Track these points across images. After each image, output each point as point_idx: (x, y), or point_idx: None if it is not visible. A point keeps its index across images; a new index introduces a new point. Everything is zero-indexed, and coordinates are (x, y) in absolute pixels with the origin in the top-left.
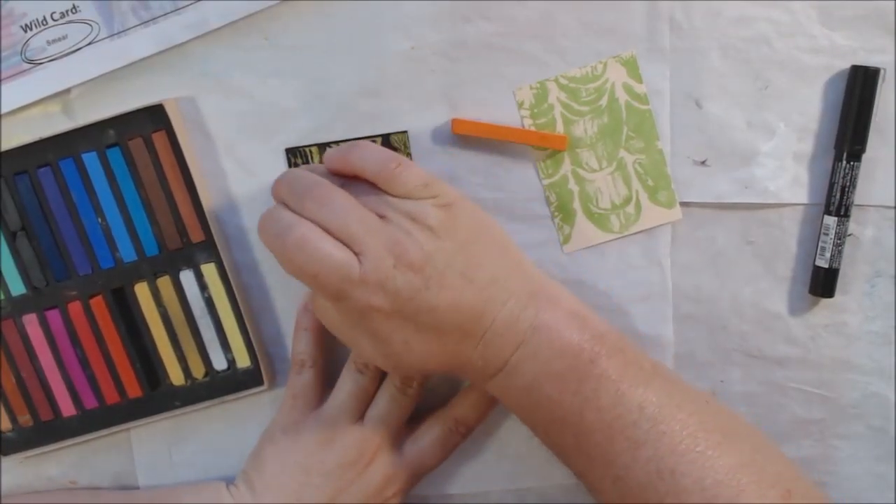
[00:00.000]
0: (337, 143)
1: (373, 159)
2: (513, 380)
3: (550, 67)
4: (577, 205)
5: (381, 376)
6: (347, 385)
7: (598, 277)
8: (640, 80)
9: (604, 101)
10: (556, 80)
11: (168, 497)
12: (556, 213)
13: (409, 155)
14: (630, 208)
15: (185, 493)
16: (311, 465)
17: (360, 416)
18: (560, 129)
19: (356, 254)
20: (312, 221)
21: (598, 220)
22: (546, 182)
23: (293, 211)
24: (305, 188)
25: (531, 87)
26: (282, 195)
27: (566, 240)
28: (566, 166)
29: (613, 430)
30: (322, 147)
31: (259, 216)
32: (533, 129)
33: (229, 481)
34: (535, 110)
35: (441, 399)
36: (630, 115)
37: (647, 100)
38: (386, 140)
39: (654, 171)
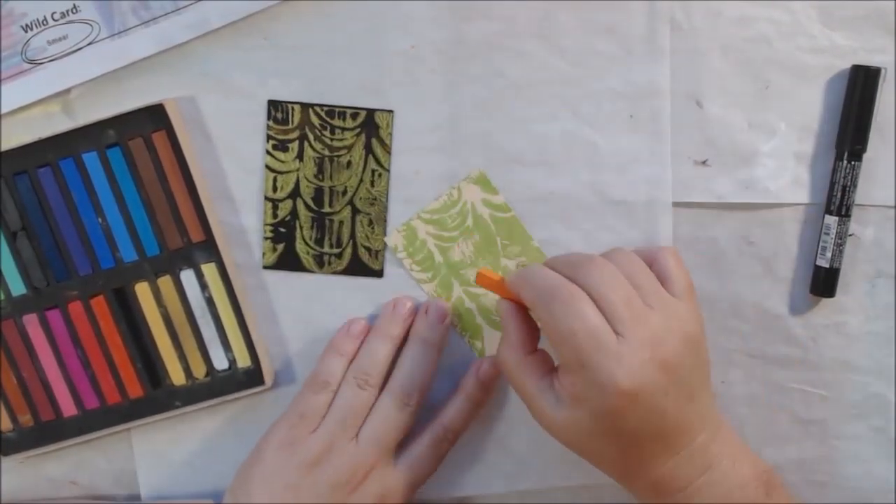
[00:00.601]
0: (323, 105)
1: (647, 250)
2: (691, 501)
3: (550, 68)
4: (480, 320)
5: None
6: (347, 399)
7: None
8: (495, 192)
9: (469, 222)
10: (420, 217)
11: None
12: (464, 333)
13: (390, 136)
14: None
15: None
16: (301, 487)
17: (356, 432)
18: (438, 259)
19: (616, 333)
20: (587, 293)
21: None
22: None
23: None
24: (584, 260)
25: (399, 231)
26: (555, 266)
27: (481, 354)
28: (457, 289)
29: None
30: (306, 107)
31: (259, 215)
32: (414, 266)
33: (217, 500)
34: (410, 249)
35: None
36: (498, 225)
37: (508, 208)
38: (370, 116)
39: None
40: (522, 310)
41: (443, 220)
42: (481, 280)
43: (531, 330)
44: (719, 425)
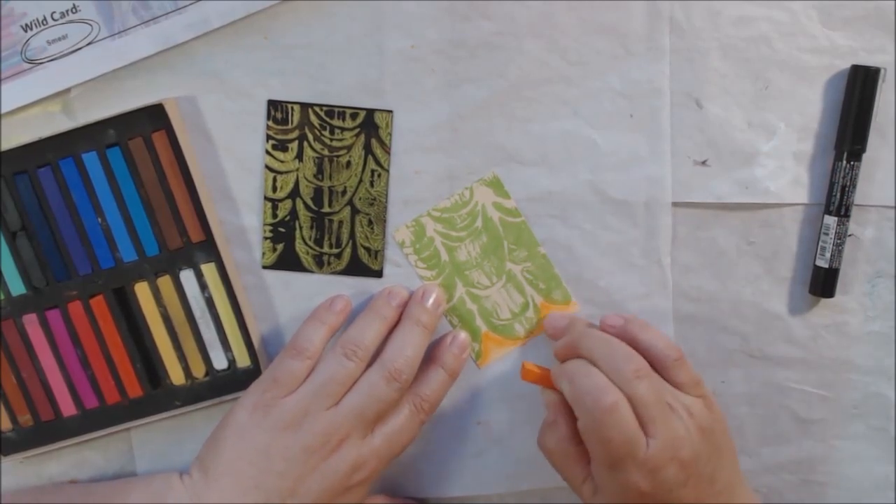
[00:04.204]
0: (322, 105)
1: (661, 344)
2: None
3: (550, 67)
4: (479, 322)
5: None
6: (331, 369)
7: (596, 277)
8: (507, 197)
9: (479, 223)
10: (430, 215)
11: (120, 490)
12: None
13: (389, 136)
14: (530, 313)
15: (136, 485)
16: (273, 450)
17: (336, 401)
18: (444, 257)
19: (646, 435)
20: (623, 392)
21: (503, 330)
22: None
23: (603, 371)
24: (624, 358)
25: (407, 226)
26: (593, 351)
27: (478, 356)
28: (460, 289)
29: None
30: (305, 106)
31: (258, 215)
32: (419, 263)
33: (183, 471)
34: (417, 246)
35: None
36: (507, 229)
37: (518, 212)
38: (370, 116)
39: (542, 275)
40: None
41: (452, 219)
42: (526, 375)
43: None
44: (741, 495)
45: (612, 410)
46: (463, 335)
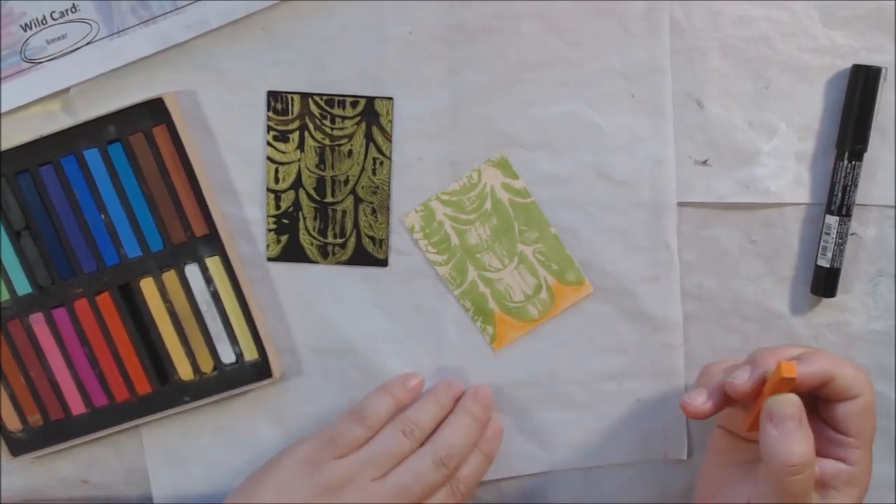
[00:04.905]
0: (322, 95)
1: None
2: None
3: (549, 49)
4: (493, 305)
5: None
6: (388, 441)
7: (604, 262)
8: (516, 177)
9: (488, 205)
10: (439, 198)
11: None
12: (476, 318)
13: (390, 123)
14: (543, 294)
15: None
16: None
17: (383, 474)
18: (455, 241)
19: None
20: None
21: (517, 312)
22: (457, 292)
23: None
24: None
25: (417, 211)
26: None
27: (493, 339)
28: (471, 273)
29: None
30: (305, 96)
31: (261, 207)
32: (430, 248)
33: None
34: (427, 230)
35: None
36: (517, 210)
37: (527, 193)
38: (370, 103)
39: (555, 256)
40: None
41: (461, 202)
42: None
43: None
44: None
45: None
46: (500, 425)
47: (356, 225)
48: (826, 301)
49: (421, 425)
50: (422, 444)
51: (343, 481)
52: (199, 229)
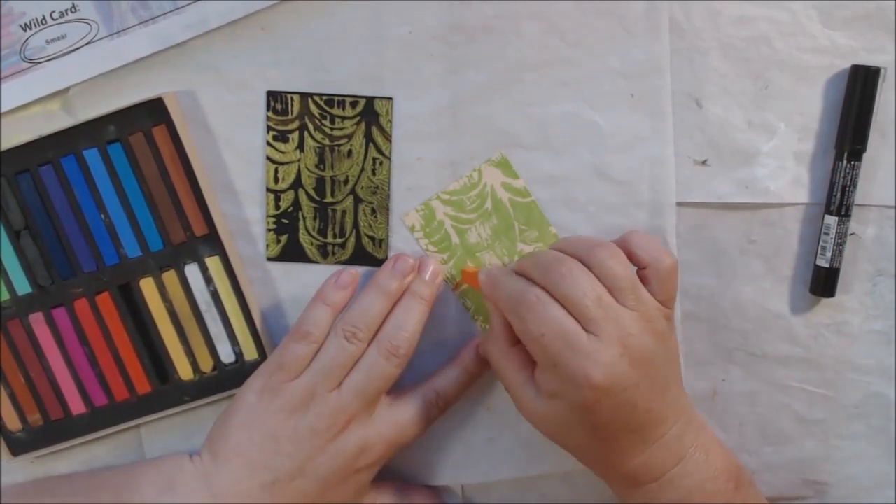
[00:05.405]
0: (322, 95)
1: (646, 254)
2: (664, 493)
3: (549, 49)
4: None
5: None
6: (332, 351)
7: None
8: (516, 176)
9: (488, 205)
10: (439, 198)
11: (130, 473)
12: (476, 317)
13: (390, 123)
14: None
15: (146, 468)
16: (281, 433)
17: (340, 383)
18: (455, 240)
19: (587, 332)
20: (550, 294)
21: None
22: (458, 292)
23: (534, 282)
24: (552, 262)
25: (417, 210)
26: (524, 269)
27: None
28: None
29: None
30: (305, 96)
31: (261, 207)
32: (430, 247)
33: (193, 453)
34: (427, 230)
35: (417, 373)
36: (517, 210)
37: (527, 192)
38: (370, 103)
39: None
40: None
41: (461, 201)
42: (466, 278)
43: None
44: (692, 417)
45: (536, 306)
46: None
47: (356, 225)
48: (825, 301)
49: (363, 325)
50: (375, 335)
51: (303, 400)
52: (199, 229)
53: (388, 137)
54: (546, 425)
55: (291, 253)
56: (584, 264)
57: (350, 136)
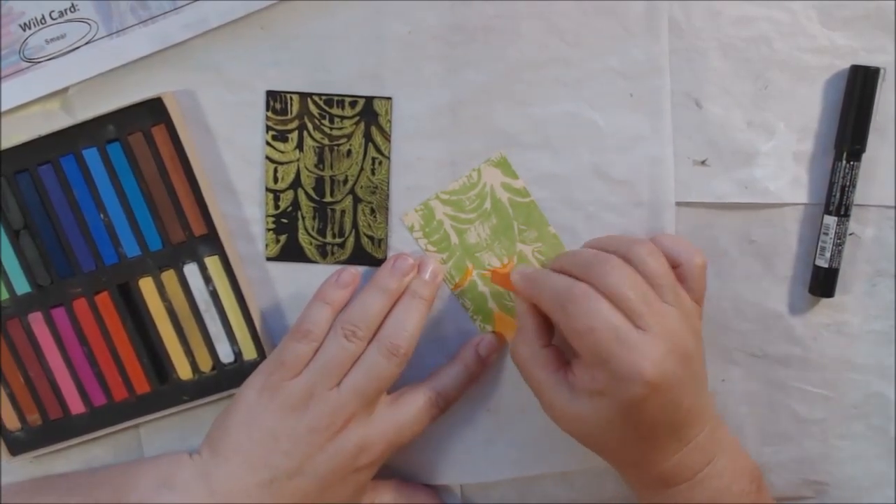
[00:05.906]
0: (321, 95)
1: (678, 251)
2: (694, 493)
3: (549, 49)
4: (492, 304)
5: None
6: (332, 350)
7: None
8: (515, 177)
9: (488, 205)
10: (438, 198)
11: (130, 470)
12: (476, 317)
13: (389, 123)
14: None
15: (146, 465)
16: (280, 431)
17: (339, 381)
18: (454, 240)
19: (637, 327)
20: (596, 287)
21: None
22: (457, 292)
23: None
24: (596, 260)
25: (416, 210)
26: (564, 266)
27: None
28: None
29: None
30: (304, 96)
31: (260, 207)
32: (429, 247)
33: (192, 451)
34: (427, 229)
35: (417, 372)
36: (516, 210)
37: (527, 192)
38: (369, 103)
39: (554, 255)
40: (535, 307)
41: (461, 201)
42: (496, 278)
43: (546, 324)
44: (717, 419)
45: (584, 300)
46: (487, 341)
47: (355, 224)
48: (825, 301)
49: (362, 324)
50: (375, 335)
51: (302, 398)
52: (198, 229)
53: (387, 137)
54: (580, 425)
55: (291, 253)
56: (624, 261)
57: (349, 136)
